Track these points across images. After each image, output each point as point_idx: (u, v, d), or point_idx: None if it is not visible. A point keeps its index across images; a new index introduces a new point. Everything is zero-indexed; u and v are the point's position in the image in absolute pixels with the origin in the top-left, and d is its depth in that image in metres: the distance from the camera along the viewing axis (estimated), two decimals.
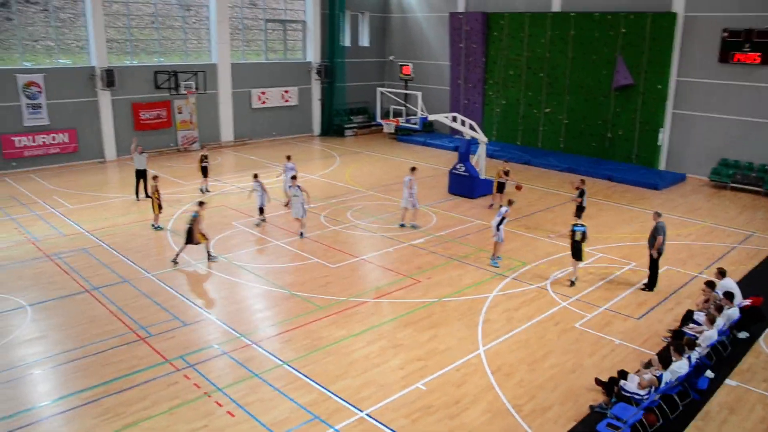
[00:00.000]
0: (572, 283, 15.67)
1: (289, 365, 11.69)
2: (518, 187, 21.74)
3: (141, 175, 22.49)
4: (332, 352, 12.18)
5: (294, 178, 19.47)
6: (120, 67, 29.17)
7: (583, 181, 19.79)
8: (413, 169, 20.26)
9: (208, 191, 23.62)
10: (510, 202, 17.37)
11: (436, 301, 14.63)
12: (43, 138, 27.25)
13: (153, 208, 19.26)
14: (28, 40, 27.30)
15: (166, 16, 31.19)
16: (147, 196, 22.55)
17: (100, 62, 28.36)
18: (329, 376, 11.32)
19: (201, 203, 17.18)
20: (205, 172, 23.60)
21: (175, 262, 16.69)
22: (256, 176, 20.34)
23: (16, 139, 26.56)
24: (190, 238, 16.56)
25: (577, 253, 15.52)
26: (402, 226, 20.00)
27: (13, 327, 13.07)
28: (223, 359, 11.90)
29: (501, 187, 21.84)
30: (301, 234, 18.82)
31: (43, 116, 27.13)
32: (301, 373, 11.41)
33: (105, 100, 28.72)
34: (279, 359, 11.89)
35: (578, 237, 15.39)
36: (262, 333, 12.99)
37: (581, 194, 19.35)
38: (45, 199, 22.53)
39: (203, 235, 16.77)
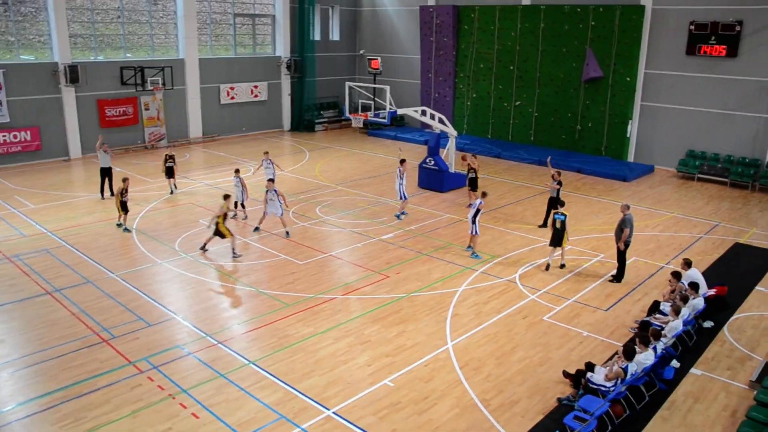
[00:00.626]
0: (562, 266, 16.37)
1: (255, 364, 11.52)
2: (463, 157, 21.89)
3: (106, 173, 22.05)
4: (299, 350, 12.04)
5: (272, 180, 18.85)
6: (84, 62, 28.58)
7: (559, 173, 19.81)
8: (402, 161, 20.60)
9: (176, 188, 23.04)
10: (484, 194, 17.40)
11: (405, 296, 14.54)
12: (4, 136, 26.56)
13: (117, 208, 18.85)
14: None
15: (132, 10, 30.63)
16: (112, 194, 22.19)
17: (63, 58, 27.75)
18: (296, 375, 11.17)
19: (226, 196, 16.99)
20: (170, 172, 22.75)
21: (204, 249, 17.06)
22: (237, 171, 20.18)
23: None
24: (218, 231, 16.59)
25: (557, 240, 16.08)
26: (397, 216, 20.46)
27: None
28: (188, 360, 11.69)
29: (473, 183, 21.43)
30: (287, 233, 18.54)
31: (4, 113, 26.45)
32: (267, 372, 11.25)
33: (69, 96, 28.12)
34: (245, 359, 11.72)
35: (558, 225, 15.92)
36: (229, 332, 12.79)
37: (559, 184, 19.40)
38: (6, 199, 22.00)
39: (229, 231, 16.69)
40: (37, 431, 9.62)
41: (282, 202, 18.38)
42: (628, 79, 28.09)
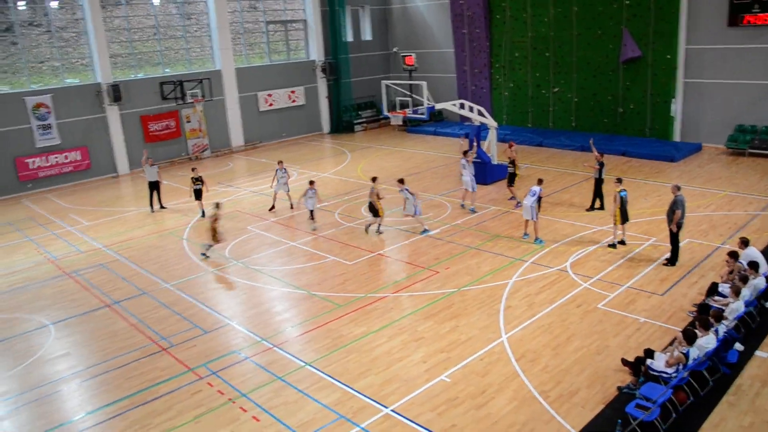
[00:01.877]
0: (622, 243, 16.57)
1: (311, 366, 11.64)
2: (510, 145, 21.45)
3: (154, 186, 22.55)
4: (354, 350, 12.12)
5: (312, 182, 19.81)
6: (126, 81, 29.29)
7: (601, 154, 19.64)
8: (465, 152, 20.83)
9: (203, 216, 21.05)
10: (540, 181, 17.43)
11: (456, 291, 14.50)
12: (56, 157, 27.47)
13: (213, 236, 17.42)
14: (33, 62, 27.50)
15: (167, 26, 31.25)
16: (161, 207, 22.69)
17: (105, 78, 28.49)
18: (352, 375, 11.25)
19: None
20: (198, 194, 21.30)
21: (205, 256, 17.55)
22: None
23: (29, 160, 26.80)
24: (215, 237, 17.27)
25: (625, 216, 16.30)
26: (462, 206, 20.60)
27: (38, 346, 13.17)
28: (245, 364, 11.89)
29: (512, 179, 20.86)
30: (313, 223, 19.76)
31: (54, 136, 27.34)
32: (324, 373, 11.36)
33: (113, 115, 28.86)
34: (301, 361, 11.85)
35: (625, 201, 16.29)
36: (283, 335, 12.95)
37: (601, 166, 19.35)
38: (62, 217, 22.70)
39: (215, 236, 17.27)
40: None
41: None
42: (668, 56, 27.43)
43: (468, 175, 20.03)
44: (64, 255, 18.72)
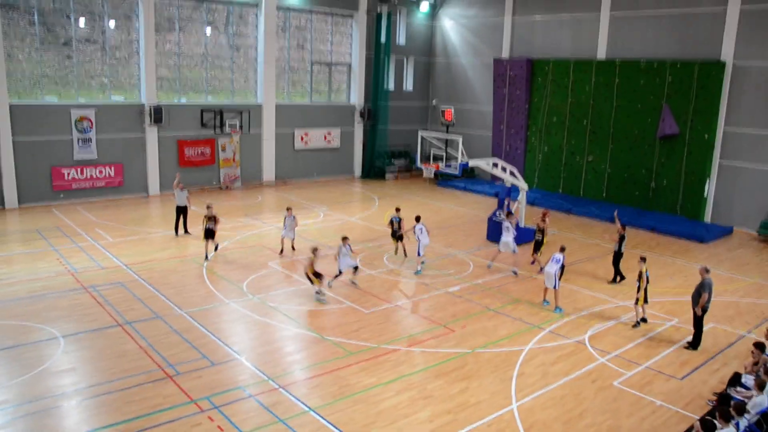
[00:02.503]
0: (644, 320, 16.30)
1: (315, 412, 11.42)
2: (544, 214, 21.19)
3: (181, 211, 22.75)
4: (360, 401, 11.88)
5: (346, 238, 18.03)
6: (168, 104, 29.90)
7: (624, 227, 19.54)
8: (509, 213, 21.07)
9: (215, 251, 20.46)
10: (563, 249, 17.28)
11: (470, 352, 14.23)
12: (91, 171, 27.95)
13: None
14: (84, 77, 28.26)
15: (215, 56, 31.99)
16: (186, 232, 22.83)
17: (149, 99, 29.13)
18: (356, 426, 11.01)
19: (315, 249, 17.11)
20: (210, 234, 19.98)
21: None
22: (345, 239, 18.03)
23: (65, 171, 27.30)
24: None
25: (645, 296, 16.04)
26: (489, 266, 20.56)
27: (46, 357, 13.14)
28: (249, 402, 11.71)
29: (537, 247, 20.48)
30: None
31: (93, 150, 27.87)
32: (327, 421, 11.12)
33: (152, 136, 29.40)
34: (305, 405, 11.64)
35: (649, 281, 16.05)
36: (291, 377, 12.77)
37: (621, 239, 19.25)
38: (88, 231, 22.95)
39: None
40: None
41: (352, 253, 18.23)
42: (706, 136, 27.28)
43: (509, 236, 19.88)
44: (84, 269, 18.85)
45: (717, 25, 26.91)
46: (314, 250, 17.03)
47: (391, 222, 21.25)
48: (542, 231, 20.40)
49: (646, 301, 15.96)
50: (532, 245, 20.70)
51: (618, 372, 13.51)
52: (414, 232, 19.79)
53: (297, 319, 15.80)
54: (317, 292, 17.00)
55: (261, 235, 23.38)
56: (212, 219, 20.01)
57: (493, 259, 20.51)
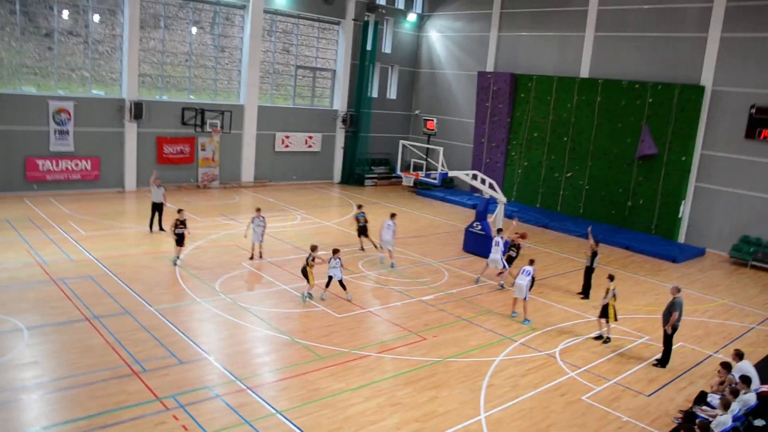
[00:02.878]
0: (608, 339, 16.16)
1: (282, 415, 11.29)
2: (523, 235, 21.22)
3: (157, 208, 22.50)
4: (328, 405, 11.77)
5: (337, 250, 17.53)
6: (150, 101, 29.62)
7: (597, 244, 19.78)
8: (499, 230, 21.16)
9: (176, 263, 19.20)
10: (532, 262, 17.44)
11: (440, 360, 14.19)
12: (67, 164, 27.55)
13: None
14: (65, 69, 27.90)
15: (200, 55, 31.79)
16: (161, 229, 22.57)
17: (130, 95, 28.82)
18: (322, 430, 10.89)
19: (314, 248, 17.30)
20: (180, 240, 19.18)
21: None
22: (336, 252, 17.53)
23: (40, 162, 26.87)
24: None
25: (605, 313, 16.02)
26: (477, 281, 20.31)
27: (8, 349, 12.84)
28: (215, 402, 11.54)
29: (510, 261, 20.48)
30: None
31: (69, 143, 27.48)
32: (293, 424, 11.00)
33: (131, 131, 29.07)
34: (272, 408, 11.50)
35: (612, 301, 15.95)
36: (259, 379, 12.63)
37: (594, 255, 19.45)
38: (60, 223, 22.59)
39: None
40: None
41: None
42: (683, 158, 27.66)
43: (498, 254, 19.84)
44: (54, 261, 18.52)
45: (698, 49, 27.35)
46: (314, 248, 17.21)
47: (357, 218, 22.37)
48: (517, 247, 20.55)
49: (615, 318, 16.07)
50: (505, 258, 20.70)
51: (587, 387, 13.55)
52: (383, 226, 20.37)
53: (268, 320, 15.65)
54: (307, 293, 17.12)
55: (236, 236, 23.14)
56: (183, 224, 19.09)
57: (482, 273, 20.34)
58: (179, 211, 19.82)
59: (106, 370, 12.29)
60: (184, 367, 12.78)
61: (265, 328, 15.17)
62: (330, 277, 17.29)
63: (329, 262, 17.22)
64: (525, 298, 16.89)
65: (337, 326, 15.60)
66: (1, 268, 17.53)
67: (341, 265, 17.35)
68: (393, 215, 21.45)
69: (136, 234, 22.34)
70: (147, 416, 10.81)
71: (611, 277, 16.27)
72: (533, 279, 17.18)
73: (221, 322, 15.36)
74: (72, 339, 13.56)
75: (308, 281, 17.11)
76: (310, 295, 17.23)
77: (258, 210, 20.79)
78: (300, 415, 11.33)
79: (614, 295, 15.86)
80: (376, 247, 22.11)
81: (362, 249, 22.51)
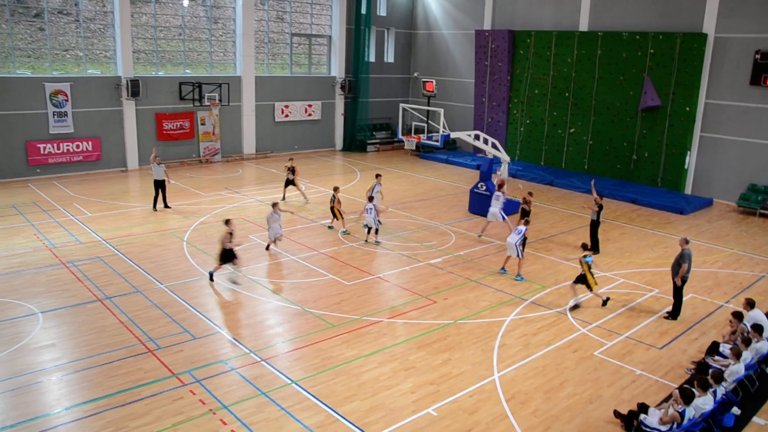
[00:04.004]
0: (606, 301, 15.63)
1: (297, 384, 11.40)
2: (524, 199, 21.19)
3: (159, 185, 22.46)
4: (342, 373, 11.88)
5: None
6: (146, 77, 29.37)
7: (601, 197, 19.71)
8: (501, 185, 21.17)
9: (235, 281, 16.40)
10: (527, 222, 17.34)
11: (452, 323, 14.27)
12: (68, 145, 27.48)
13: (336, 215, 20.46)
14: (58, 50, 27.63)
15: (193, 28, 31.41)
16: (166, 206, 22.59)
17: (126, 72, 28.58)
18: (338, 398, 11.01)
19: (227, 221, 16.01)
20: (229, 256, 15.98)
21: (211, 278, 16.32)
22: (371, 199, 19.71)
23: (41, 146, 26.80)
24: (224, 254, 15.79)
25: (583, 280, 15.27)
26: (479, 236, 20.65)
27: (25, 334, 12.97)
28: (231, 375, 11.66)
29: (524, 214, 20.52)
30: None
31: (69, 124, 27.36)
32: (309, 393, 11.11)
33: (129, 109, 28.91)
34: (288, 378, 11.61)
35: (592, 267, 15.27)
36: (272, 350, 12.73)
37: (600, 209, 19.38)
38: (66, 206, 22.62)
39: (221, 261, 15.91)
40: None
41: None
42: (687, 108, 27.36)
43: (497, 206, 20.20)
44: (62, 244, 18.59)
45: None
46: (336, 189, 18.40)
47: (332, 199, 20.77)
48: (528, 203, 20.81)
49: (595, 283, 15.34)
50: (518, 215, 20.87)
51: (599, 342, 13.62)
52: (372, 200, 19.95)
53: (278, 291, 15.72)
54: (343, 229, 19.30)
55: (242, 208, 23.18)
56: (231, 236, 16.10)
57: (482, 230, 20.55)
58: (227, 222, 16.24)
59: (121, 349, 12.40)
60: (198, 342, 12.88)
61: (275, 299, 15.25)
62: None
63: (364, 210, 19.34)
64: (518, 256, 16.94)
65: (346, 294, 15.67)
66: (11, 254, 17.62)
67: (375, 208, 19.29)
68: (378, 176, 22.12)
69: (141, 212, 22.35)
70: (165, 392, 10.94)
71: (584, 246, 15.83)
72: (525, 239, 17.09)
73: (232, 295, 15.44)
74: (86, 320, 13.67)
75: (338, 218, 20.25)
76: (346, 232, 20.10)
77: (274, 205, 18.26)
78: (315, 383, 11.44)
79: (588, 263, 15.09)
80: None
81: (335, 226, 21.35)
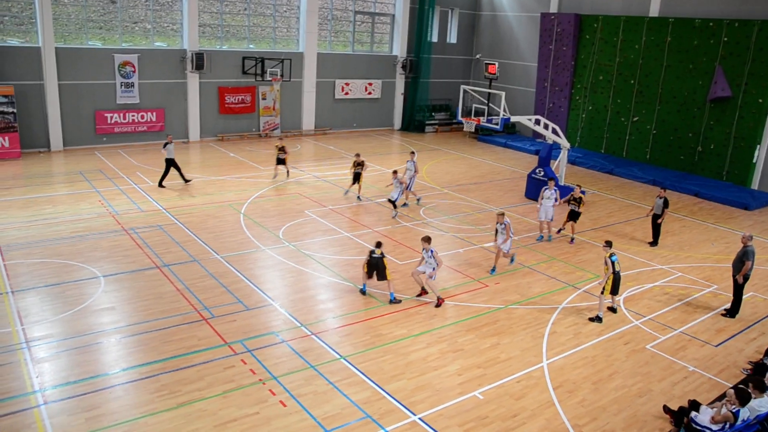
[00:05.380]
0: (613, 310, 14.31)
1: (346, 360, 11.57)
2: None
3: (170, 163, 22.38)
4: (390, 351, 11.99)
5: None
6: (210, 51, 29.89)
7: (664, 189, 19.27)
8: (551, 179, 20.25)
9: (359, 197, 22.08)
10: (501, 214, 16.22)
11: (503, 307, 14.21)
12: (133, 116, 28.27)
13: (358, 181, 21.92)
14: (128, 22, 28.35)
15: (258, 3, 31.74)
16: (186, 181, 22.72)
17: (191, 45, 29.14)
18: (385, 376, 11.13)
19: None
20: (356, 178, 22.28)
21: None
22: (395, 173, 20.74)
23: (108, 115, 27.65)
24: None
25: (615, 286, 13.89)
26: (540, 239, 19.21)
27: (87, 296, 13.52)
28: (281, 347, 11.90)
29: (573, 216, 18.93)
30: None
31: (135, 95, 28.13)
32: (357, 369, 11.27)
33: (193, 82, 29.50)
34: (337, 353, 11.79)
35: (617, 267, 13.78)
36: (323, 325, 12.93)
37: (665, 203, 18.82)
38: (129, 174, 23.34)
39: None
40: (135, 397, 10.07)
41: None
42: (760, 100, 26.25)
43: (549, 203, 18.71)
44: (125, 211, 19.23)
45: None
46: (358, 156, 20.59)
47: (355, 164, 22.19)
48: (578, 201, 18.77)
49: (615, 291, 13.91)
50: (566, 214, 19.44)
51: (652, 335, 13.35)
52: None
53: (332, 267, 15.92)
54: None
55: (299, 183, 23.48)
56: (360, 164, 22.07)
57: (541, 231, 19.32)
58: (356, 154, 22.43)
59: (177, 316, 12.81)
60: (251, 313, 13.19)
61: (328, 275, 15.45)
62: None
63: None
64: (551, 220, 17.71)
65: (398, 273, 15.72)
66: (76, 218, 18.32)
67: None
68: (412, 153, 22.77)
69: (200, 183, 22.89)
70: (217, 360, 11.26)
71: (608, 244, 14.01)
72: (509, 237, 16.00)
73: (285, 269, 15.71)
74: (144, 286, 14.15)
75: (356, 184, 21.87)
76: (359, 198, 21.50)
77: (426, 240, 14.48)
78: (363, 360, 11.59)
79: (613, 264, 13.64)
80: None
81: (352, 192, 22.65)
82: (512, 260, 16.64)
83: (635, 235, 20.02)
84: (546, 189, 18.89)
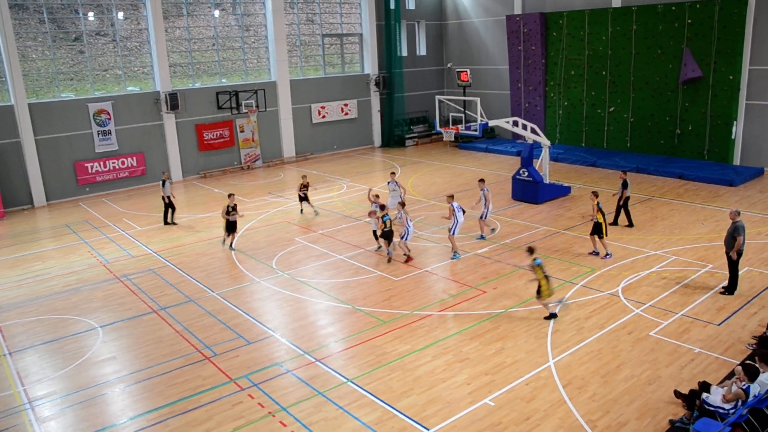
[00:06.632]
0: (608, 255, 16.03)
1: (353, 382, 11.51)
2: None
3: (168, 201, 22.43)
4: (397, 368, 11.94)
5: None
6: (183, 89, 29.94)
7: (625, 173, 20.08)
8: (481, 180, 20.23)
9: (232, 247, 19.60)
10: (451, 197, 17.96)
11: (503, 312, 14.20)
12: (113, 163, 28.21)
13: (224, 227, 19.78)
14: (98, 70, 28.37)
15: (225, 37, 31.87)
16: (172, 222, 22.72)
17: (164, 86, 29.18)
18: (394, 393, 11.07)
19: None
20: (232, 227, 19.38)
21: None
22: (393, 173, 21.69)
23: (88, 165, 27.58)
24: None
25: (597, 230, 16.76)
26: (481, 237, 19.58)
27: (87, 348, 13.40)
28: (287, 377, 11.83)
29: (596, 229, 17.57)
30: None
31: (113, 142, 28.10)
32: (365, 391, 11.21)
33: (170, 123, 29.52)
34: (343, 376, 11.73)
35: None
36: (326, 350, 12.87)
37: (624, 185, 19.58)
38: (116, 222, 23.25)
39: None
40: None
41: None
42: (730, 77, 26.58)
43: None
44: (115, 258, 19.12)
45: None
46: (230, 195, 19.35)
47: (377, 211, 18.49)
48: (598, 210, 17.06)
49: (606, 234, 16.89)
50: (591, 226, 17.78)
51: (654, 322, 13.38)
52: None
53: (328, 291, 15.87)
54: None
55: (285, 212, 23.46)
56: (234, 209, 19.22)
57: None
58: (230, 195, 19.73)
59: (179, 358, 12.71)
60: (253, 347, 13.11)
61: (325, 300, 15.40)
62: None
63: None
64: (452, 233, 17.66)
65: (395, 290, 15.72)
66: (68, 272, 18.20)
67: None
68: (392, 173, 22.44)
69: (188, 223, 22.80)
70: (224, 398, 11.17)
71: (595, 194, 17.18)
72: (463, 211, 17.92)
73: (282, 298, 15.65)
74: (143, 332, 14.04)
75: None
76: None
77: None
78: (371, 380, 11.53)
79: (600, 209, 16.47)
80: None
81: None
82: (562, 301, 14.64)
83: (623, 224, 20.10)
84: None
